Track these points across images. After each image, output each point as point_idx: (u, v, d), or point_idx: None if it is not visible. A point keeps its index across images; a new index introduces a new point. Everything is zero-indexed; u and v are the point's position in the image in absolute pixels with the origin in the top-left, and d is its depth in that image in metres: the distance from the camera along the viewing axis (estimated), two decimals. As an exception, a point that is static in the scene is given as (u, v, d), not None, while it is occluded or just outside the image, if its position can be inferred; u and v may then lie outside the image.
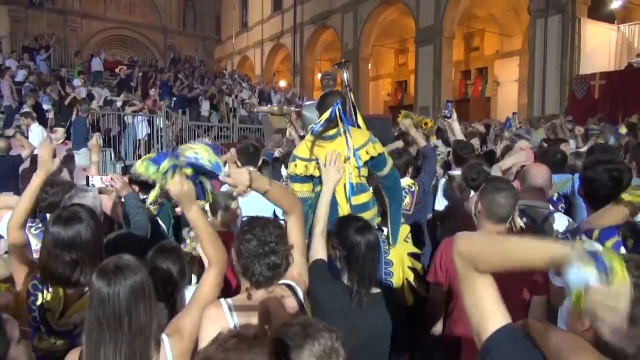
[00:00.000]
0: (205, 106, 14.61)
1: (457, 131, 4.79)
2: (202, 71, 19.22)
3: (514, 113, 11.25)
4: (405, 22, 18.43)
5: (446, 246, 2.37)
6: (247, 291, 1.72)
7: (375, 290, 2.01)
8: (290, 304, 1.72)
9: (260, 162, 3.84)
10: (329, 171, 2.38)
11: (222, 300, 1.66)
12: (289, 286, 1.79)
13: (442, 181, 4.10)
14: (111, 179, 2.81)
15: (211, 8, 29.37)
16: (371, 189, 2.57)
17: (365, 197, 2.49)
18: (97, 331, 1.39)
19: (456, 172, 3.97)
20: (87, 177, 2.88)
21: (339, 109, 2.40)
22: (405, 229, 2.77)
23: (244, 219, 2.15)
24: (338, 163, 2.37)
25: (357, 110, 3.37)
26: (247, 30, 28.07)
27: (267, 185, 1.85)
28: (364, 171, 2.52)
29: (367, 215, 2.42)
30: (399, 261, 2.57)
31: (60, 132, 10.27)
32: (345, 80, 3.51)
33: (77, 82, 13.39)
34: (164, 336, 1.52)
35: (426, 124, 6.75)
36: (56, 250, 1.83)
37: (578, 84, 12.42)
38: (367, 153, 2.44)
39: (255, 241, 1.68)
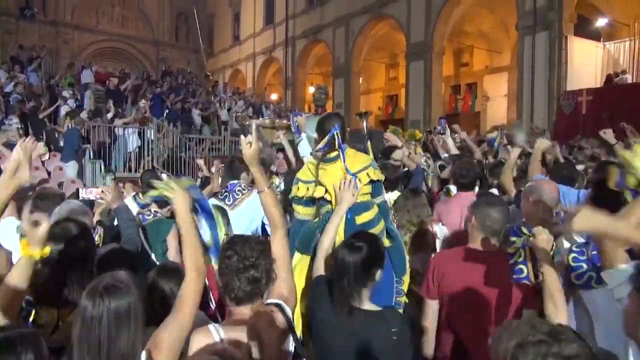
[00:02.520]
0: (197, 119, 14.60)
1: (451, 146, 4.91)
2: (195, 83, 19.22)
3: (501, 129, 11.30)
4: (396, 37, 18.64)
5: (438, 260, 2.38)
6: (229, 308, 1.72)
7: (375, 308, 1.98)
8: (280, 324, 1.71)
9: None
10: (344, 193, 2.42)
11: (210, 326, 1.64)
12: (278, 305, 1.77)
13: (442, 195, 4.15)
14: (102, 191, 2.79)
15: (204, 21, 29.50)
16: (376, 206, 2.58)
17: (368, 215, 2.51)
18: (78, 354, 1.36)
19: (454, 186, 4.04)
20: (78, 190, 2.85)
21: (336, 133, 2.50)
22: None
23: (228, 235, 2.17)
24: (352, 187, 2.42)
25: (370, 142, 3.48)
26: (240, 44, 28.18)
27: (266, 185, 1.99)
28: (367, 188, 2.56)
29: (373, 231, 2.47)
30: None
31: (40, 146, 10.17)
32: (365, 129, 3.65)
33: (66, 93, 13.31)
34: (143, 353, 1.47)
35: (415, 135, 6.92)
36: (45, 270, 1.77)
37: (566, 100, 12.62)
38: (368, 176, 2.52)
39: (236, 257, 1.68)
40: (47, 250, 1.66)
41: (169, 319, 1.58)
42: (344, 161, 2.50)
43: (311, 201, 2.59)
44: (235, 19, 28.94)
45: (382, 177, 2.60)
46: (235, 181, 3.65)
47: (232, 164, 3.75)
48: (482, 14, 16.96)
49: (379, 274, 2.00)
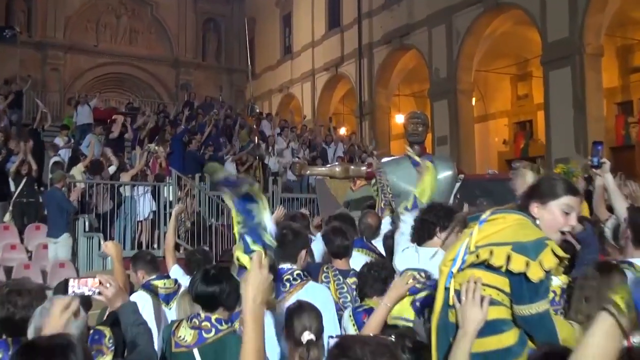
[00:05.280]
0: (229, 167, 14.99)
1: (611, 185, 4.37)
2: (231, 119, 19.86)
3: None
4: (525, 35, 18.56)
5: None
6: None
7: None
8: None
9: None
10: (466, 309, 2.30)
11: None
12: None
13: None
14: (100, 283, 2.81)
15: (241, 31, 30.93)
16: (515, 330, 2.37)
17: (495, 342, 2.34)
18: None
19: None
20: (67, 281, 2.90)
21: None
22: None
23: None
24: (478, 296, 2.29)
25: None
26: (292, 58, 29.20)
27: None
28: (494, 281, 2.36)
29: None
30: None
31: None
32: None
33: (58, 140, 14.09)
34: None
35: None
36: None
37: None
38: (509, 260, 2.28)
39: None
40: None
41: None
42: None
43: None
44: (285, 24, 30.12)
45: (539, 274, 2.26)
46: (288, 265, 3.68)
47: (284, 237, 3.67)
48: (659, -8, 16.57)
49: None
